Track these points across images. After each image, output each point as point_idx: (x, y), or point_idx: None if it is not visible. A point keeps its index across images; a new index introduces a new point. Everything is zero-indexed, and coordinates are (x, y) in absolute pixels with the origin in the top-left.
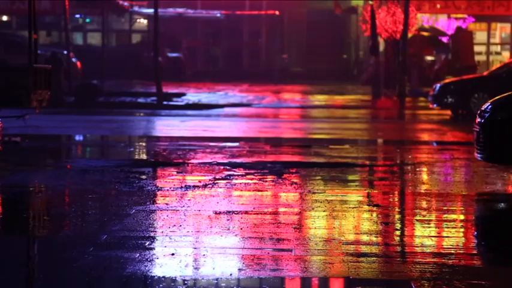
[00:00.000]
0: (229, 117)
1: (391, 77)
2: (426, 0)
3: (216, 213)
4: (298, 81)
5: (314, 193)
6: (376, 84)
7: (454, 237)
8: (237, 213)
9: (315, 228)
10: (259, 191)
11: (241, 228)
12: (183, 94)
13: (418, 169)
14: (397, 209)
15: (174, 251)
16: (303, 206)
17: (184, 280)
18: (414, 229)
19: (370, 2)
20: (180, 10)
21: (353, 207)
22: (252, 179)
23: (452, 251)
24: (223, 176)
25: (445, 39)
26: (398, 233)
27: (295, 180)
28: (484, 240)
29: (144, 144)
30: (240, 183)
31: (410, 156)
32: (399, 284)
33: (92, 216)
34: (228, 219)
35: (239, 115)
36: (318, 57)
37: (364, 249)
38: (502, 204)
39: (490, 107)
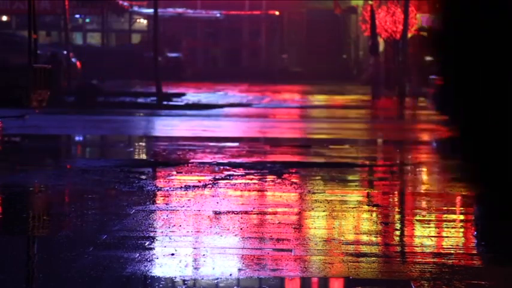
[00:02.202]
0: (229, 117)
1: (391, 77)
2: (426, 0)
3: (216, 213)
4: (298, 81)
5: (314, 193)
6: (376, 85)
7: (454, 237)
8: (237, 213)
9: (315, 228)
10: (259, 191)
11: (241, 228)
12: (183, 94)
13: (418, 169)
14: (397, 209)
15: (174, 251)
16: (303, 206)
17: (184, 280)
18: (414, 229)
19: (370, 2)
20: (180, 10)
21: (353, 207)
22: (251, 179)
23: (452, 251)
24: (223, 176)
25: None
26: (398, 233)
27: (295, 180)
28: (484, 240)
29: (144, 144)
30: (240, 183)
31: (410, 156)
32: (399, 284)
33: (92, 216)
34: (228, 219)
35: (239, 115)
36: (318, 57)
37: (364, 249)
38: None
39: None
